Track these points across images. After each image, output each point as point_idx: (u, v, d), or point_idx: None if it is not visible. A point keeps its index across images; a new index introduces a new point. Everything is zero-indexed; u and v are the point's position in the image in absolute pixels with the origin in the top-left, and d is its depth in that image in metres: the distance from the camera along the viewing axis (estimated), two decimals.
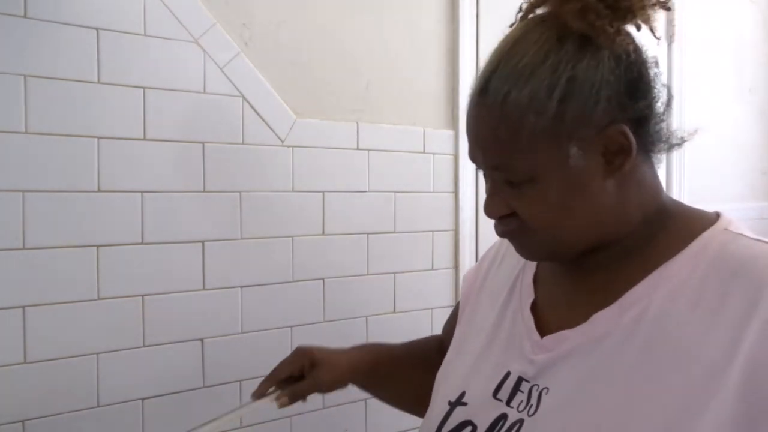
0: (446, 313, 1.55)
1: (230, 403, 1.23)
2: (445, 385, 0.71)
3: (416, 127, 1.47)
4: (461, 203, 1.52)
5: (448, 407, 0.66)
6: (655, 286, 0.57)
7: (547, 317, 0.65)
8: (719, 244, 0.57)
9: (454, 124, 1.53)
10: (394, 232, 1.43)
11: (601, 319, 0.58)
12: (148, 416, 1.13)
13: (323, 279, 1.34)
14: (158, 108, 1.13)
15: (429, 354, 0.89)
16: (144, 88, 1.12)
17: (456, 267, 1.53)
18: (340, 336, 1.35)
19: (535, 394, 0.60)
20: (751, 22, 2.45)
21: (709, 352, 0.51)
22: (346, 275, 1.37)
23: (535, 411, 0.58)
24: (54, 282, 1.04)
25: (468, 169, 1.53)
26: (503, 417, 0.60)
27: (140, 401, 1.13)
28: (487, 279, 0.78)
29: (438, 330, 1.01)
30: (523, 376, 0.62)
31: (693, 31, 2.17)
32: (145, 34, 1.12)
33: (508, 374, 0.63)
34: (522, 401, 0.60)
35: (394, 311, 1.43)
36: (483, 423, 0.62)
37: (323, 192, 1.33)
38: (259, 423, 1.25)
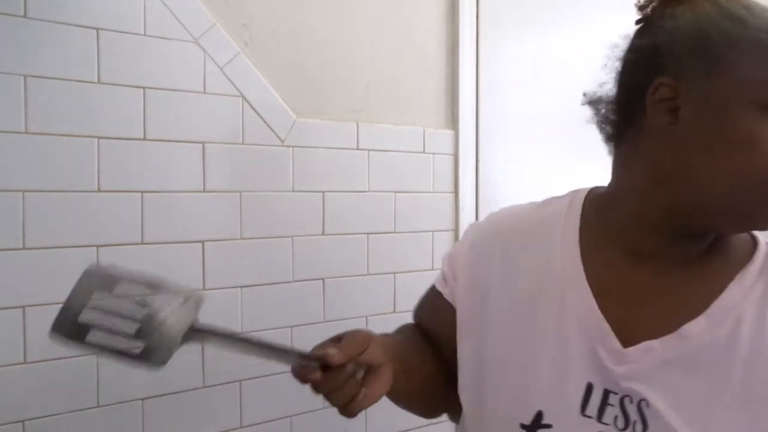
0: None
1: (230, 403, 1.23)
2: (505, 405, 0.62)
3: (416, 127, 1.47)
4: (461, 203, 1.52)
5: (524, 430, 0.59)
6: (741, 296, 0.57)
7: (619, 321, 0.59)
8: None
9: (454, 124, 1.53)
10: (394, 232, 1.43)
11: (692, 331, 0.56)
12: (148, 416, 1.13)
13: (323, 279, 1.34)
14: (158, 108, 1.13)
15: (424, 344, 0.78)
16: (144, 88, 1.12)
17: None
18: None
19: (631, 407, 0.56)
20: None
21: None
22: (346, 275, 1.37)
23: (645, 427, 0.55)
24: (54, 282, 1.04)
25: (468, 169, 1.53)
26: None
27: (140, 401, 1.13)
28: (492, 281, 0.68)
29: None
30: (609, 388, 0.57)
31: None
32: (145, 34, 1.12)
33: (590, 386, 0.58)
34: (617, 416, 0.56)
35: (394, 311, 1.43)
36: None
37: (323, 192, 1.33)
38: (259, 423, 1.25)
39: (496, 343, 0.66)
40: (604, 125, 0.65)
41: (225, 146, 1.21)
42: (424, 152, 1.48)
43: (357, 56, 1.38)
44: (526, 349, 0.62)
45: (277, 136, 1.27)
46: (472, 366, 0.67)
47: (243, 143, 1.23)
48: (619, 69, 0.62)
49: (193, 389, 1.18)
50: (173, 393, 1.16)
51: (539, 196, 0.75)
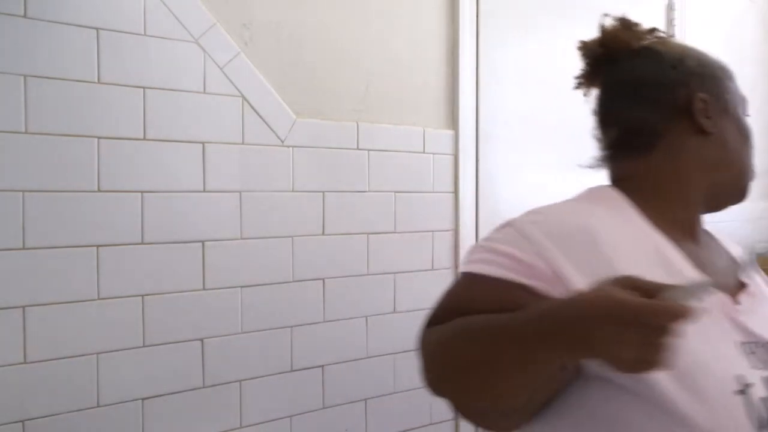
0: None
1: (230, 403, 1.23)
2: (714, 381, 0.65)
3: (416, 127, 1.47)
4: (461, 203, 1.52)
5: (742, 395, 0.66)
6: (734, 255, 0.81)
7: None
8: None
9: (454, 124, 1.53)
10: (394, 232, 1.43)
11: (749, 286, 0.75)
12: (148, 416, 1.13)
13: (323, 279, 1.34)
14: (158, 108, 1.13)
15: None
16: (144, 88, 1.12)
17: (456, 267, 1.53)
18: (340, 336, 1.35)
19: (760, 350, 0.70)
20: (751, 22, 2.45)
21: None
22: (346, 275, 1.37)
23: None
24: (54, 282, 1.04)
25: (468, 169, 1.53)
26: (766, 380, 0.68)
27: (140, 401, 1.13)
28: (595, 268, 0.64)
29: None
30: (743, 341, 0.70)
31: (693, 31, 2.17)
32: (145, 34, 1.12)
33: (740, 343, 0.70)
34: (757, 359, 0.69)
35: (394, 311, 1.43)
36: (765, 392, 0.67)
37: (323, 192, 1.33)
38: (259, 423, 1.25)
39: None
40: (626, 140, 0.78)
41: (225, 146, 1.21)
42: (424, 152, 1.48)
43: (357, 56, 1.39)
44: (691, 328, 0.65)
45: (277, 136, 1.27)
46: None
47: (243, 143, 1.23)
48: (639, 93, 0.78)
49: (193, 389, 1.18)
50: (173, 393, 1.16)
51: (539, 196, 0.77)
